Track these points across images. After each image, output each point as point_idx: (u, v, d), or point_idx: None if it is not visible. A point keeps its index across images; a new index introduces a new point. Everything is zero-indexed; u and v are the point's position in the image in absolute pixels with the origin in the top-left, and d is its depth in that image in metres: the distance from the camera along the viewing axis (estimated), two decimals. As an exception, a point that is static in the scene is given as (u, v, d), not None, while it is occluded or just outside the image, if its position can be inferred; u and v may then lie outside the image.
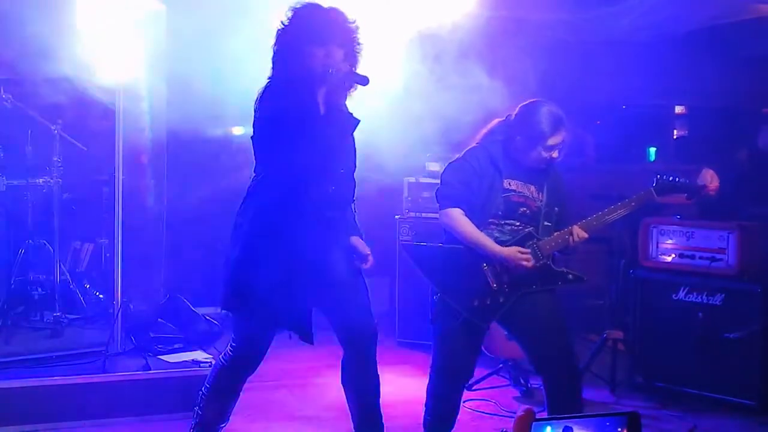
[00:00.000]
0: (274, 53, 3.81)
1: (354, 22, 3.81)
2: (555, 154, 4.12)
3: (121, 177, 5.52)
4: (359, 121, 3.90)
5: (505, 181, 4.11)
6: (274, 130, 3.71)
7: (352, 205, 4.05)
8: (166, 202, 6.20)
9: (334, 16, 3.77)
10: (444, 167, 4.25)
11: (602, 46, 7.28)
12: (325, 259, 3.82)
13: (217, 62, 5.39)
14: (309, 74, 3.69)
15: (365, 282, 4.02)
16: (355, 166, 4.00)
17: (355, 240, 3.96)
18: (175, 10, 5.98)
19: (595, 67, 7.36)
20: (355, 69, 3.82)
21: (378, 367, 4.07)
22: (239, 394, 4.11)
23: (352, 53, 3.81)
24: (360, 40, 3.82)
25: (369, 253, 3.94)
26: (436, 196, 4.19)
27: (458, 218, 4.05)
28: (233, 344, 3.99)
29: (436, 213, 4.22)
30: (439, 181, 4.23)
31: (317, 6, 3.80)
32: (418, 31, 6.11)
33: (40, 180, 5.87)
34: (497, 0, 6.50)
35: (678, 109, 8.62)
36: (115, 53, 5.51)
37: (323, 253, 3.81)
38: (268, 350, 4.00)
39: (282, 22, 3.80)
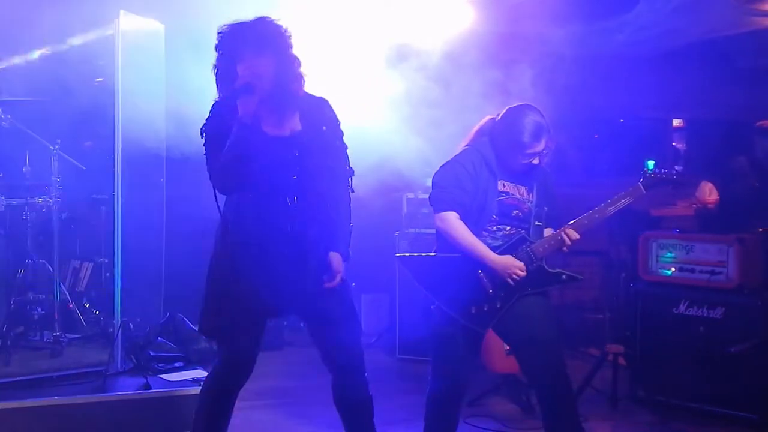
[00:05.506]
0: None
1: (281, 26, 3.72)
2: (535, 161, 4.11)
3: (120, 196, 5.53)
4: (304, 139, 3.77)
5: (500, 182, 4.11)
6: (213, 149, 3.71)
7: (340, 218, 3.92)
8: (166, 221, 6.19)
9: (249, 27, 3.70)
10: (436, 170, 4.20)
11: (599, 60, 7.30)
12: (295, 275, 3.77)
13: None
14: (232, 92, 3.68)
15: (349, 298, 3.94)
16: (319, 175, 3.81)
17: (331, 255, 3.85)
18: (173, 28, 6.00)
19: (593, 81, 7.38)
20: (298, 72, 3.74)
21: (376, 384, 4.04)
22: (230, 413, 4.00)
23: (286, 58, 3.72)
24: (294, 42, 3.73)
25: (339, 271, 3.83)
26: (430, 200, 4.16)
27: (454, 223, 4.03)
28: (216, 361, 3.96)
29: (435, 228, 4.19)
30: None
31: (233, 23, 3.74)
32: (418, 46, 6.14)
33: (39, 199, 5.86)
34: (495, 15, 6.54)
35: (676, 122, 8.64)
36: (115, 72, 5.53)
37: (291, 270, 3.76)
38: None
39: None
